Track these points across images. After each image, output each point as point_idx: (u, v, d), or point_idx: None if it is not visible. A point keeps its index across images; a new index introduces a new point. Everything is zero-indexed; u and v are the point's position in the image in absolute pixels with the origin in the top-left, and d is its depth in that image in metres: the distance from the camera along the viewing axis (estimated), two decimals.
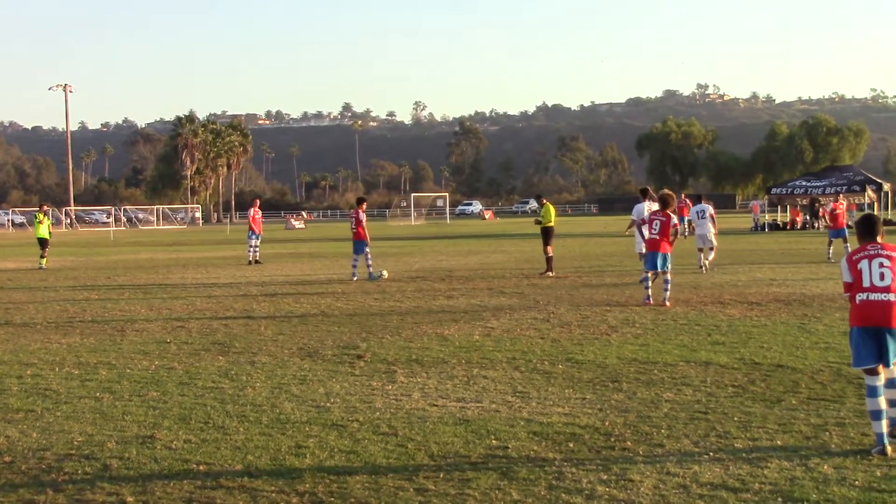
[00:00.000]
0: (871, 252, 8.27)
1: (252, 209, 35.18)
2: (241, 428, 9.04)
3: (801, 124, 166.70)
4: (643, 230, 20.54)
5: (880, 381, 8.03)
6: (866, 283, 8.12)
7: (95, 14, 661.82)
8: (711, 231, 27.46)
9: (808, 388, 10.37)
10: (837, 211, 30.64)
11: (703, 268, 26.46)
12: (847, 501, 6.66)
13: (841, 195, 33.93)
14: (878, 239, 8.47)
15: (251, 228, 34.24)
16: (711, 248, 27.44)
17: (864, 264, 8.21)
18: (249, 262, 33.90)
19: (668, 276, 18.92)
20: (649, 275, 18.99)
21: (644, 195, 24.46)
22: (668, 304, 18.43)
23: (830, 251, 30.19)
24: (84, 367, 12.54)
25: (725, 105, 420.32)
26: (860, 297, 8.14)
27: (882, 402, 7.97)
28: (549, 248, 26.62)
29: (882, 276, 8.06)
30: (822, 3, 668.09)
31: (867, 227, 8.64)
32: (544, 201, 28.31)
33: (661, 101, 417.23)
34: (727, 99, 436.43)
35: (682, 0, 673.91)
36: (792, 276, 24.67)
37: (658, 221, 18.89)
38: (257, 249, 34.70)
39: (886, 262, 8.12)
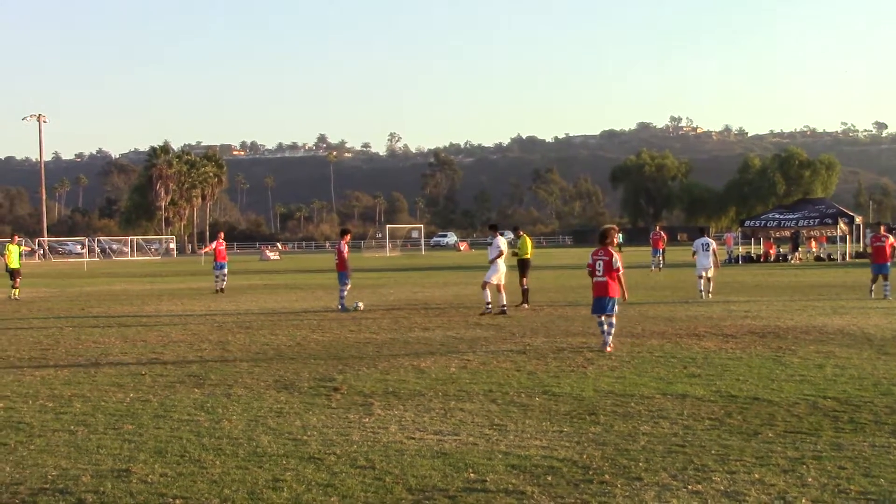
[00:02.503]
0: None
1: (215, 241, 38.45)
2: (217, 461, 8.97)
3: (774, 157, 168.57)
4: (598, 268, 17.40)
5: None
6: None
7: (69, 43, 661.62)
8: (712, 263, 29.35)
9: (784, 421, 10.39)
10: (880, 243, 28.30)
11: (703, 294, 28.92)
12: None
13: (882, 226, 30.60)
14: None
15: (215, 259, 37.24)
16: (710, 279, 29.26)
17: None
18: (216, 291, 35.97)
19: (614, 320, 17.08)
20: (603, 318, 17.02)
21: (493, 230, 26.09)
22: (609, 348, 16.66)
23: (873, 288, 27.96)
24: (58, 400, 12.43)
25: (699, 138, 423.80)
26: None
27: None
28: (525, 280, 26.66)
29: None
30: (793, 40, 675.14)
31: None
32: (521, 233, 28.41)
33: (634, 134, 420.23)
34: (700, 132, 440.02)
35: (656, 35, 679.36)
36: (766, 308, 24.78)
37: (601, 261, 17.08)
38: (225, 278, 37.41)
39: None
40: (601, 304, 17.02)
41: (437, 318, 23.36)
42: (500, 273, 24.50)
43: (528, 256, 27.45)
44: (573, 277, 42.38)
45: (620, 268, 16.99)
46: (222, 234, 40.26)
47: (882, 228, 29.17)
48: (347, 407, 11.64)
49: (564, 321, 22.17)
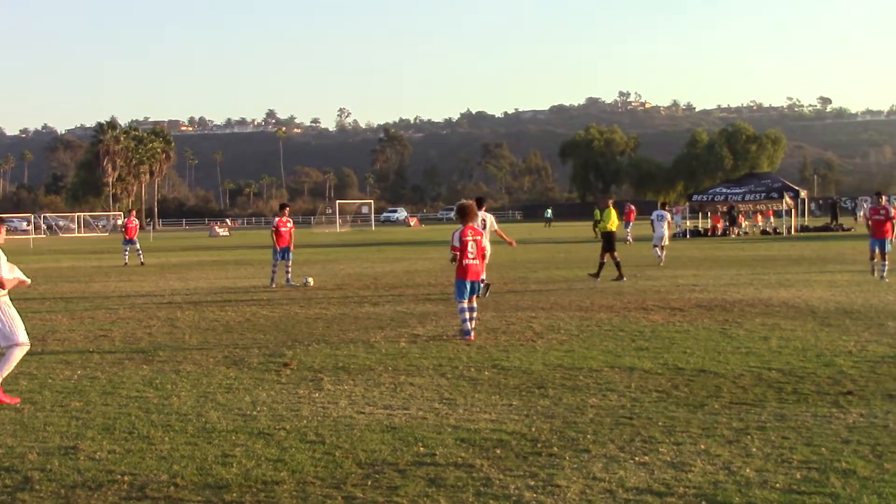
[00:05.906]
0: None
1: (128, 218, 41.79)
2: (166, 437, 8.94)
3: (721, 132, 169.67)
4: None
5: None
6: None
7: (12, 19, 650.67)
8: (666, 233, 32.73)
9: (729, 393, 10.53)
10: (880, 216, 24.93)
11: (660, 260, 31.97)
12: None
13: (883, 196, 26.39)
14: None
15: (125, 236, 40.83)
16: (664, 247, 32.41)
17: None
18: (125, 265, 38.91)
19: (475, 304, 15.60)
20: (465, 304, 15.31)
21: (479, 205, 24.01)
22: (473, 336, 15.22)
23: (874, 265, 24.91)
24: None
25: (647, 113, 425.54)
26: None
27: None
28: (606, 255, 25.75)
29: None
30: (739, 14, 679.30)
31: None
32: (608, 204, 27.11)
33: (583, 109, 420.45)
34: (648, 107, 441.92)
35: (603, 9, 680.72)
36: (713, 282, 25.02)
37: (474, 242, 15.48)
38: (129, 253, 40.28)
39: None
40: (474, 287, 15.54)
41: (387, 294, 23.37)
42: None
43: (613, 229, 26.64)
44: (523, 252, 42.47)
45: (487, 246, 16.46)
46: (133, 213, 44.05)
47: (882, 199, 25.77)
48: (297, 382, 11.63)
49: (514, 295, 22.26)
